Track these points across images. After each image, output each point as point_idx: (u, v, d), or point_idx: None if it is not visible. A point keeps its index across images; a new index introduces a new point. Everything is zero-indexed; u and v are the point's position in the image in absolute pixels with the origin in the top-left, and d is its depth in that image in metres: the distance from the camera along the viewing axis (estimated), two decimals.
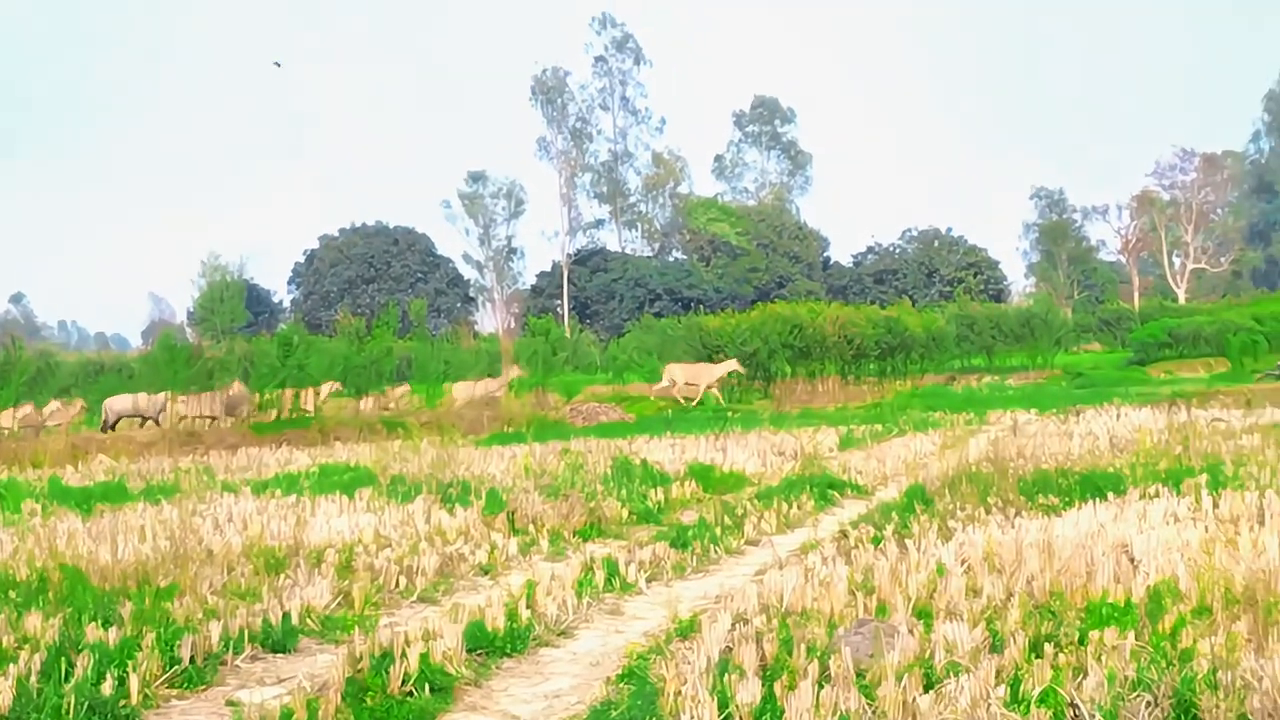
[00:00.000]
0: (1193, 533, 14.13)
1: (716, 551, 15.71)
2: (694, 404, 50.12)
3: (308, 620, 11.47)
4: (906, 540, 14.64)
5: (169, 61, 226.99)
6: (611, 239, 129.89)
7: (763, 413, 45.05)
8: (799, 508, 19.34)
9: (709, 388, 51.59)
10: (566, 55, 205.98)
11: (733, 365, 53.07)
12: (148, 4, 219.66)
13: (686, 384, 52.14)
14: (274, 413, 44.33)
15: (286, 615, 11.22)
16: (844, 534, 16.11)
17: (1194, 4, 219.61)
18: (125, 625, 10.59)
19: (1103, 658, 9.08)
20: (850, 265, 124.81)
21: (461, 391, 52.83)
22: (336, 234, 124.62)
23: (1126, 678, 8.41)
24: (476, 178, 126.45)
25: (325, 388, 49.09)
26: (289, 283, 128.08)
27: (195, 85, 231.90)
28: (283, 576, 13.25)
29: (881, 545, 14.55)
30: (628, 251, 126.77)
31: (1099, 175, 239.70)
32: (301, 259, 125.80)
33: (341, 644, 10.60)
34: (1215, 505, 16.43)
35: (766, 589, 12.00)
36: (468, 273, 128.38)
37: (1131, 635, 9.78)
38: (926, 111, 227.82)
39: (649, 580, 13.84)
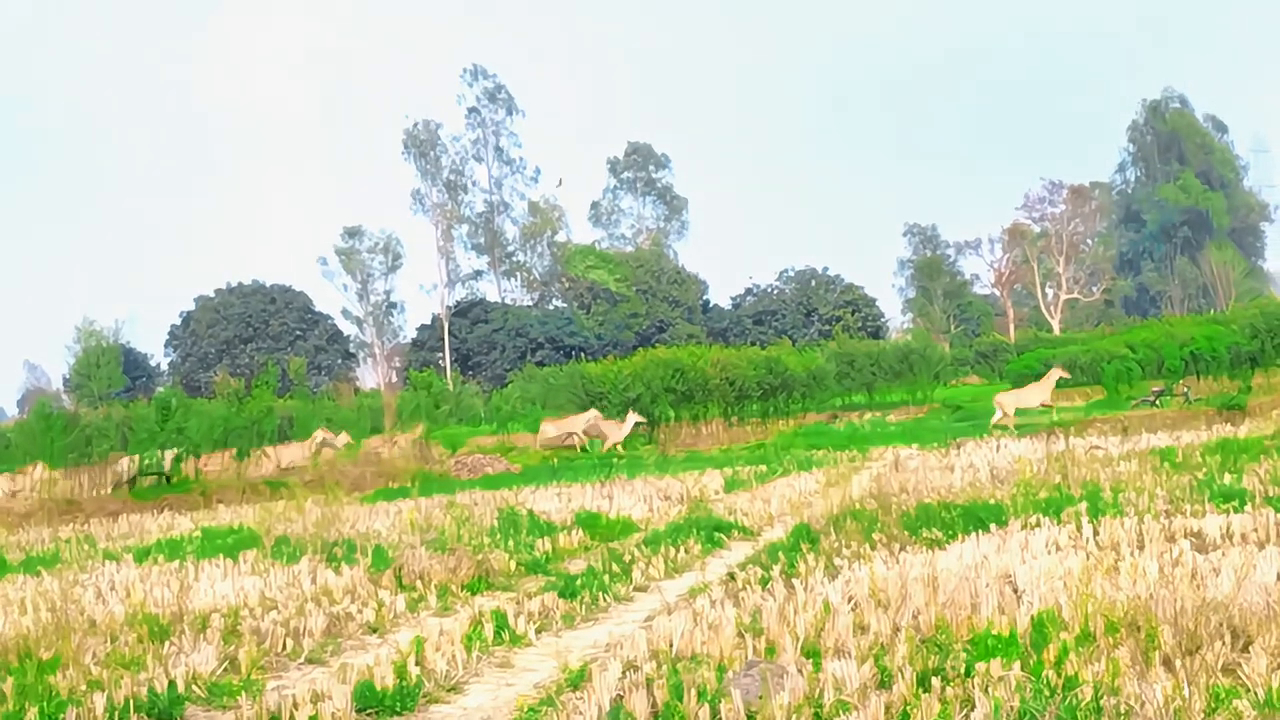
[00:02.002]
0: (1074, 561, 14.32)
1: (605, 599, 15.68)
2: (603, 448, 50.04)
3: (194, 687, 11.31)
4: (794, 580, 14.73)
5: (31, 125, 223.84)
6: (491, 289, 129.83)
7: (648, 458, 45.11)
8: (686, 552, 19.36)
9: (615, 443, 51.46)
10: (439, 107, 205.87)
11: (632, 420, 52.97)
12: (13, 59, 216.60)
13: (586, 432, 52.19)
14: (151, 478, 43.65)
15: (172, 683, 11.06)
16: (732, 576, 16.14)
17: (1058, 39, 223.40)
18: (7, 700, 10.42)
19: (989, 689, 9.17)
20: (730, 307, 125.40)
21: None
22: (213, 294, 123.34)
23: (1012, 708, 8.51)
24: (353, 233, 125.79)
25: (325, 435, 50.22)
26: (166, 345, 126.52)
27: (61, 149, 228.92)
28: (167, 644, 13.07)
29: (769, 586, 14.61)
30: (508, 301, 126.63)
31: (970, 210, 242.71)
32: (178, 321, 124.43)
33: (229, 710, 10.50)
34: (1095, 532, 16.67)
35: (656, 635, 12.02)
36: (347, 328, 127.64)
37: (1017, 665, 9.90)
38: (799, 153, 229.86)
39: (539, 631, 13.80)
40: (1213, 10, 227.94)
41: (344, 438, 52.68)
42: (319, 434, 52.59)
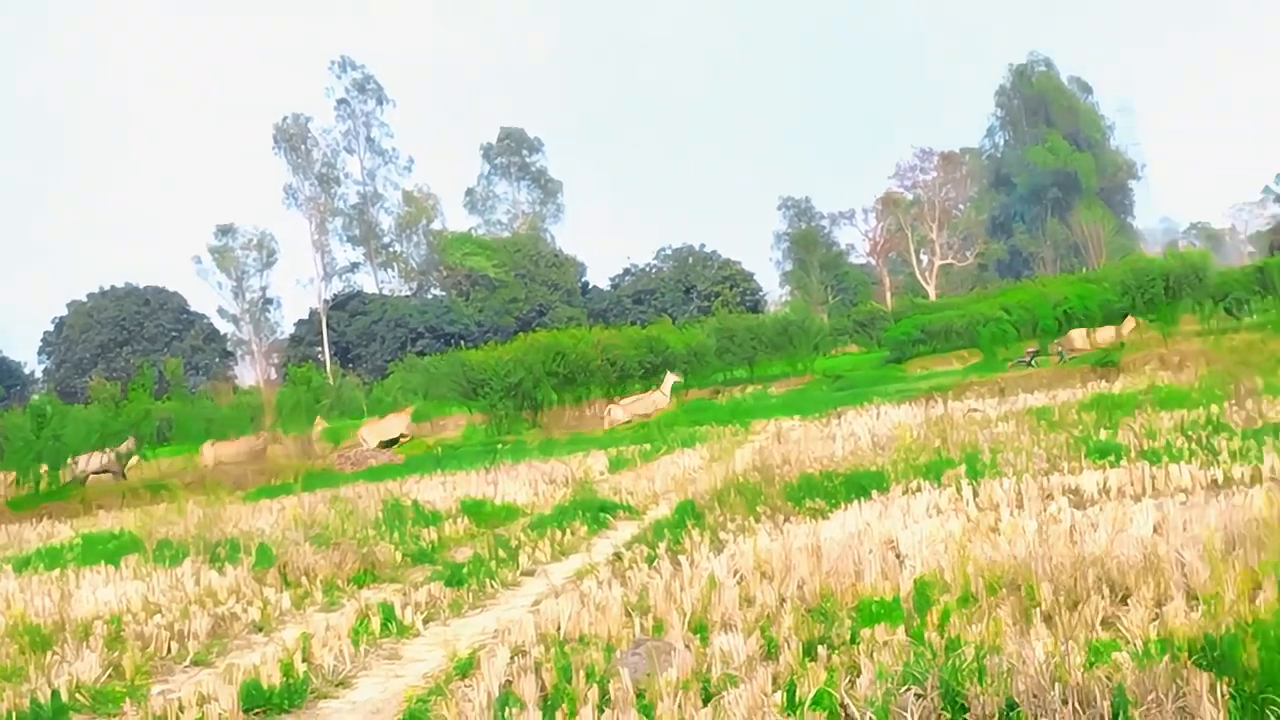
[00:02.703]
0: (955, 523, 14.47)
1: (493, 586, 15.66)
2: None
3: (78, 696, 11.16)
4: (680, 557, 14.77)
5: None
6: (368, 281, 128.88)
7: (532, 442, 45.04)
8: (573, 534, 19.38)
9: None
10: (308, 100, 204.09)
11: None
12: None
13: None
14: (29, 486, 43.09)
15: (55, 693, 10.91)
16: (618, 556, 16.17)
17: (924, 6, 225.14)
18: None
19: (874, 655, 9.25)
20: (609, 288, 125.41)
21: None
22: (85, 299, 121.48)
23: (896, 673, 8.58)
24: (226, 230, 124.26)
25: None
26: (39, 353, 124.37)
27: None
28: (50, 653, 12.88)
29: (655, 564, 14.65)
30: (386, 292, 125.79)
31: (844, 181, 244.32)
32: (51, 327, 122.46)
33: (114, 717, 10.38)
34: (975, 494, 16.88)
35: (543, 618, 12.01)
36: (224, 327, 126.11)
37: (901, 630, 9.99)
38: (673, 132, 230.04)
39: (426, 621, 13.75)
40: None
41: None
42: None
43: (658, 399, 53.70)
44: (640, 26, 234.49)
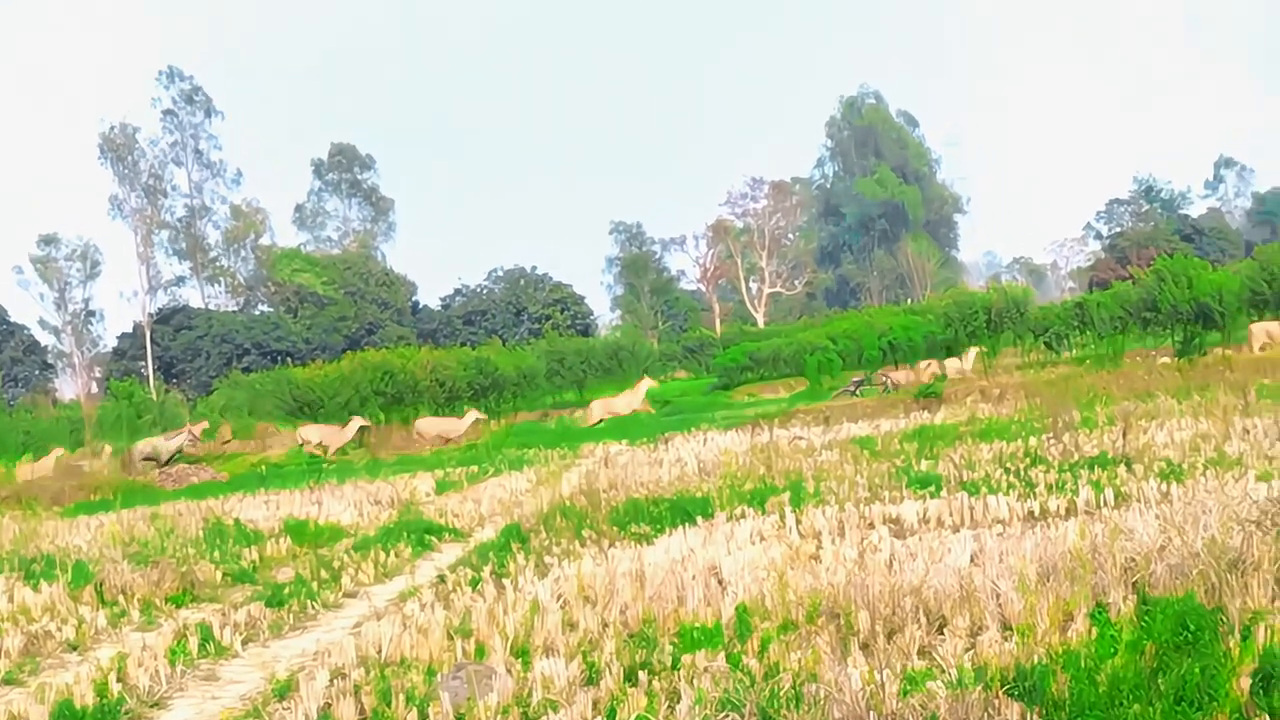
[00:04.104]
0: (777, 550, 14.62)
1: (314, 607, 15.53)
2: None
3: None
4: (504, 580, 14.79)
5: None
6: (194, 296, 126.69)
7: (358, 462, 44.68)
8: (396, 556, 19.28)
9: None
10: (136, 110, 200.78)
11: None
12: None
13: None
14: None
15: None
16: (442, 579, 16.12)
17: (760, 38, 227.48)
18: None
19: (694, 681, 9.32)
20: (439, 308, 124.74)
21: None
22: None
23: (714, 699, 8.65)
24: (48, 240, 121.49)
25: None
26: None
27: None
28: None
29: (479, 587, 14.64)
30: (212, 307, 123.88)
31: (675, 207, 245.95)
32: None
33: None
34: (798, 522, 17.05)
35: (364, 641, 11.94)
36: (45, 339, 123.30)
37: (721, 656, 10.07)
38: (507, 153, 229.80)
39: (245, 642, 13.59)
40: (906, 10, 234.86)
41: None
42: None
43: (632, 399, 53.94)
44: (478, 48, 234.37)
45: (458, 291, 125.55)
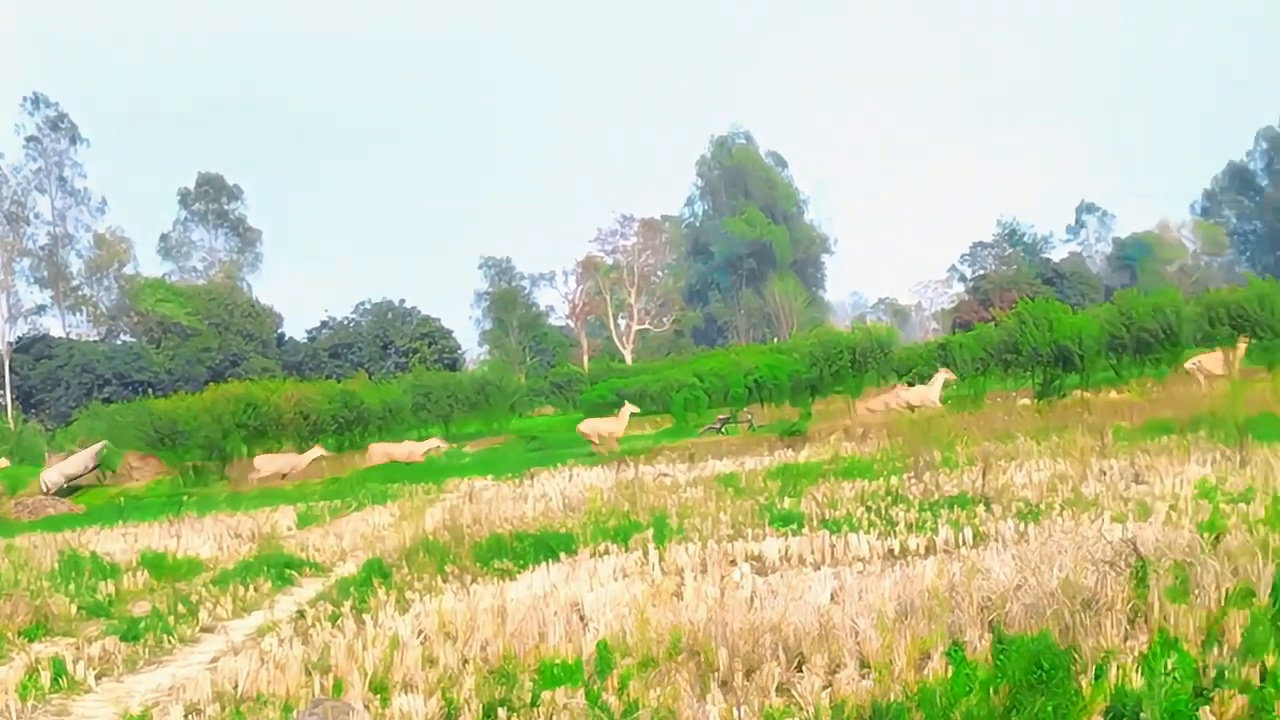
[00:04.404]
0: (640, 587, 14.63)
1: (170, 641, 15.32)
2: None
3: None
4: (365, 615, 14.66)
5: None
6: (56, 325, 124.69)
7: (220, 495, 44.14)
8: (256, 590, 19.06)
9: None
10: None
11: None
12: None
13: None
14: None
15: None
16: (301, 614, 15.97)
17: (627, 77, 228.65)
18: None
19: (553, 717, 9.30)
20: (305, 341, 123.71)
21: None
22: None
23: None
24: None
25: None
26: None
27: None
28: None
29: (339, 622, 14.51)
30: (73, 337, 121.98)
31: (545, 243, 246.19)
32: None
33: None
34: (661, 558, 17.07)
35: (221, 676, 11.81)
36: None
37: (581, 693, 10.06)
38: (376, 185, 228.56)
39: (99, 677, 13.37)
40: (777, 51, 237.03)
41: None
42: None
43: (613, 425, 53.48)
44: (349, 81, 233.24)
45: (324, 324, 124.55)
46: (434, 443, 54.66)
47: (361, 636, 13.00)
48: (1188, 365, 52.09)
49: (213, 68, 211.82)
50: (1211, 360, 51.83)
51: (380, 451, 53.39)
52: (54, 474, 49.59)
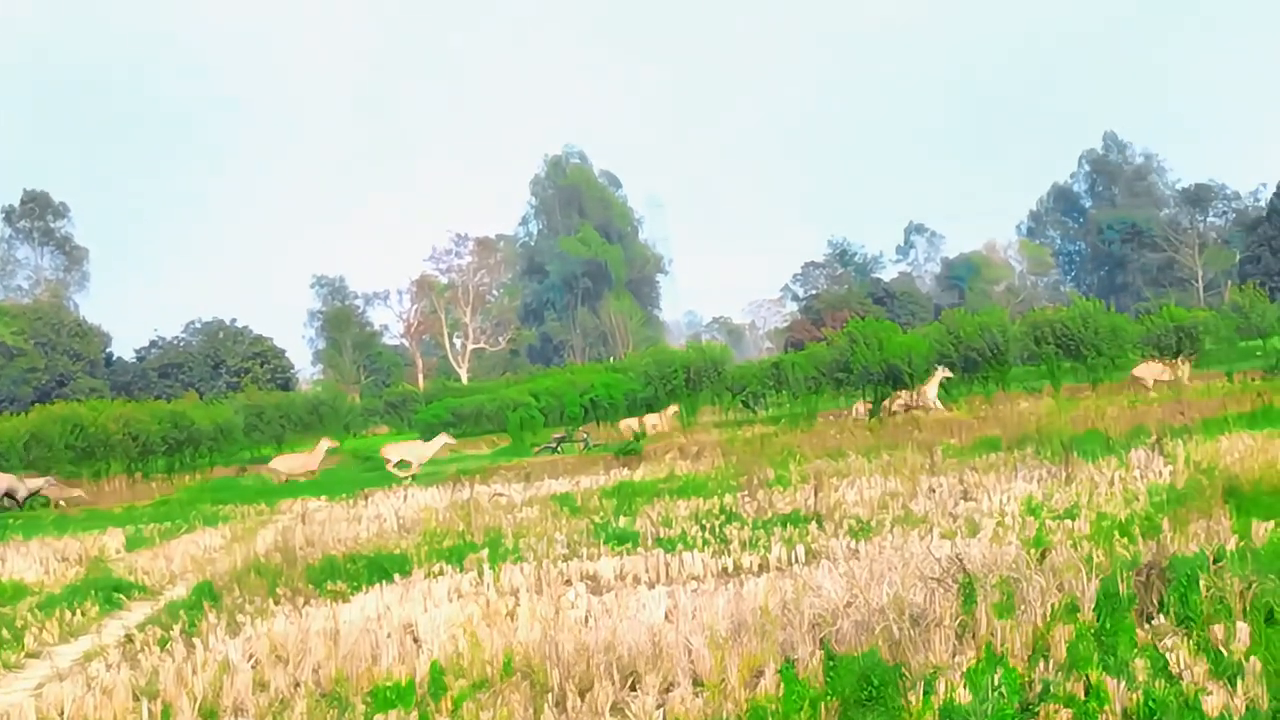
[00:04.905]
0: (474, 607, 14.62)
1: None
2: None
3: None
4: (195, 639, 14.46)
5: None
6: None
7: (46, 518, 43.26)
8: (83, 614, 18.71)
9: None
10: None
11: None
12: None
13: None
14: None
15: None
16: (130, 638, 15.72)
17: (462, 93, 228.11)
18: None
19: None
20: (134, 360, 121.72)
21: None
22: None
23: None
24: None
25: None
26: None
27: None
28: None
29: (169, 646, 14.32)
30: None
31: (379, 262, 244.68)
32: None
33: None
34: (496, 578, 17.06)
35: (45, 703, 11.59)
36: None
37: (415, 715, 10.02)
38: (202, 205, 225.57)
39: None
40: (611, 71, 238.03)
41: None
42: None
43: (310, 460, 52.92)
44: (188, 93, 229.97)
45: (154, 344, 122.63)
46: (443, 439, 53.97)
47: (191, 661, 12.84)
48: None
49: (40, 84, 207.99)
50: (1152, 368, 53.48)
51: (394, 452, 52.65)
52: (2, 482, 48.69)
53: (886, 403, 54.43)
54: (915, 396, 52.86)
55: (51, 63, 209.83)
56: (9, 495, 47.46)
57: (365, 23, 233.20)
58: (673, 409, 59.39)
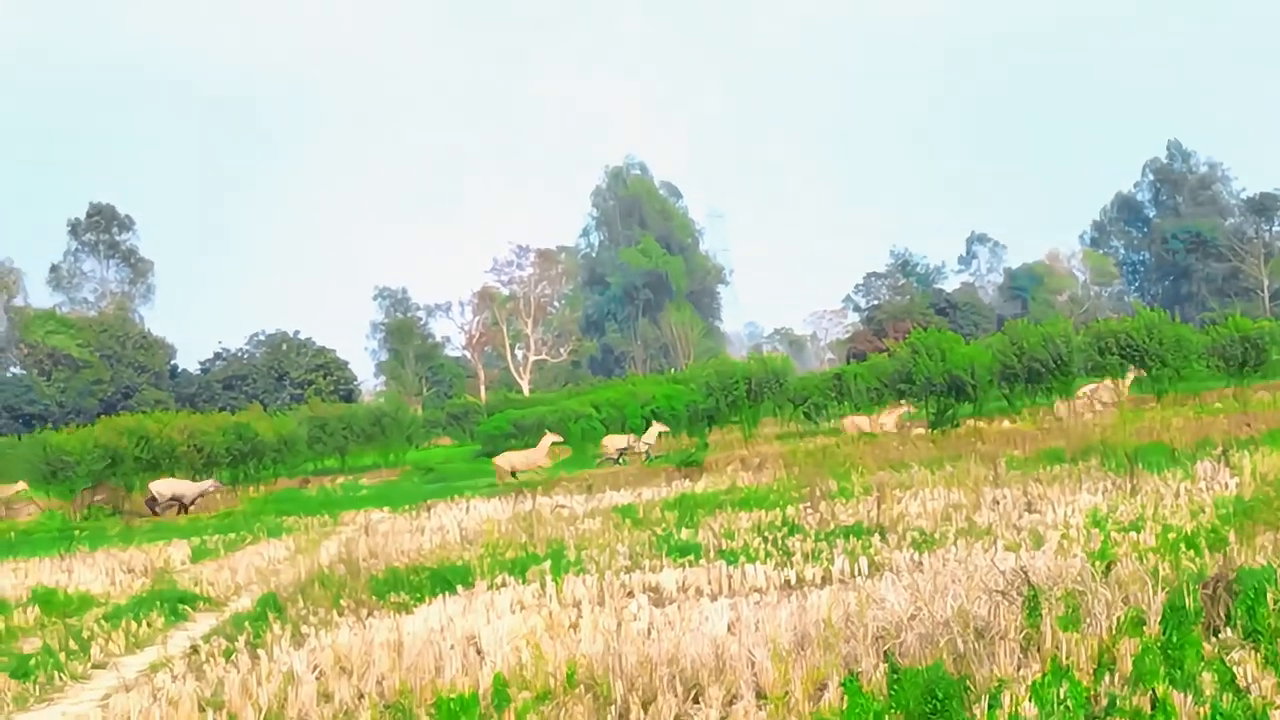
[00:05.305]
0: (537, 619, 14.62)
1: (62, 678, 15.11)
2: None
3: None
4: (259, 650, 14.53)
5: None
6: None
7: (112, 529, 43.56)
8: (149, 625, 18.85)
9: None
10: None
11: None
12: None
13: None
14: None
15: None
16: (195, 649, 15.80)
17: (521, 106, 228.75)
18: None
19: None
20: (199, 372, 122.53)
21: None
22: None
23: None
24: None
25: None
26: None
27: None
28: None
29: (234, 658, 14.37)
30: None
31: (442, 273, 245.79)
32: None
33: None
34: (558, 590, 17.05)
35: (112, 713, 11.70)
36: None
37: None
38: (267, 216, 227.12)
39: None
40: (675, 87, 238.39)
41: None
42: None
43: (534, 455, 53.11)
44: (248, 108, 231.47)
45: (218, 355, 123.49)
46: (549, 440, 54.18)
47: (256, 672, 12.89)
48: (1079, 394, 52.79)
49: (102, 99, 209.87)
50: (1103, 390, 52.65)
51: (505, 461, 52.74)
52: (169, 487, 49.65)
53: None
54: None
55: (121, 76, 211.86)
56: (176, 499, 48.76)
57: (428, 43, 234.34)
58: (658, 428, 58.61)
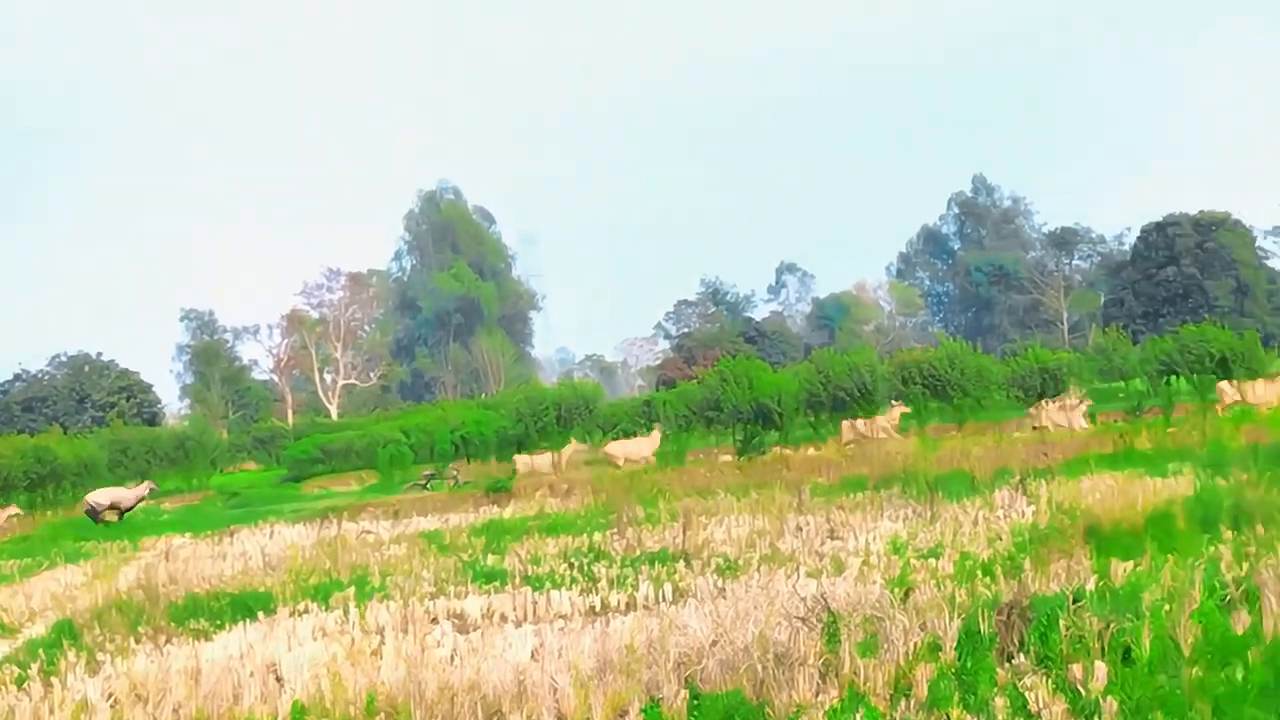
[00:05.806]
0: (338, 646, 14.52)
1: None
2: None
3: None
4: (53, 678, 14.22)
5: None
6: None
7: None
8: None
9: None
10: None
11: None
12: None
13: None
14: None
15: None
16: None
17: (337, 129, 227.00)
18: None
19: None
20: None
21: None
22: None
23: None
24: None
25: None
26: None
27: None
28: None
29: (25, 685, 14.07)
30: None
31: (249, 296, 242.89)
32: None
33: None
34: (361, 617, 16.96)
35: None
36: None
37: None
38: (72, 233, 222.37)
39: None
40: (478, 109, 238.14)
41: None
42: None
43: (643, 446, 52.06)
44: (40, 119, 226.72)
45: (17, 377, 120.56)
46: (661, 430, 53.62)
47: (48, 700, 12.64)
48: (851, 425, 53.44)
49: None
50: (882, 421, 53.52)
51: (619, 449, 51.81)
52: (106, 496, 48.44)
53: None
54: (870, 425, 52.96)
55: None
56: (114, 506, 48.24)
57: (233, 55, 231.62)
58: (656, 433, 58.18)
